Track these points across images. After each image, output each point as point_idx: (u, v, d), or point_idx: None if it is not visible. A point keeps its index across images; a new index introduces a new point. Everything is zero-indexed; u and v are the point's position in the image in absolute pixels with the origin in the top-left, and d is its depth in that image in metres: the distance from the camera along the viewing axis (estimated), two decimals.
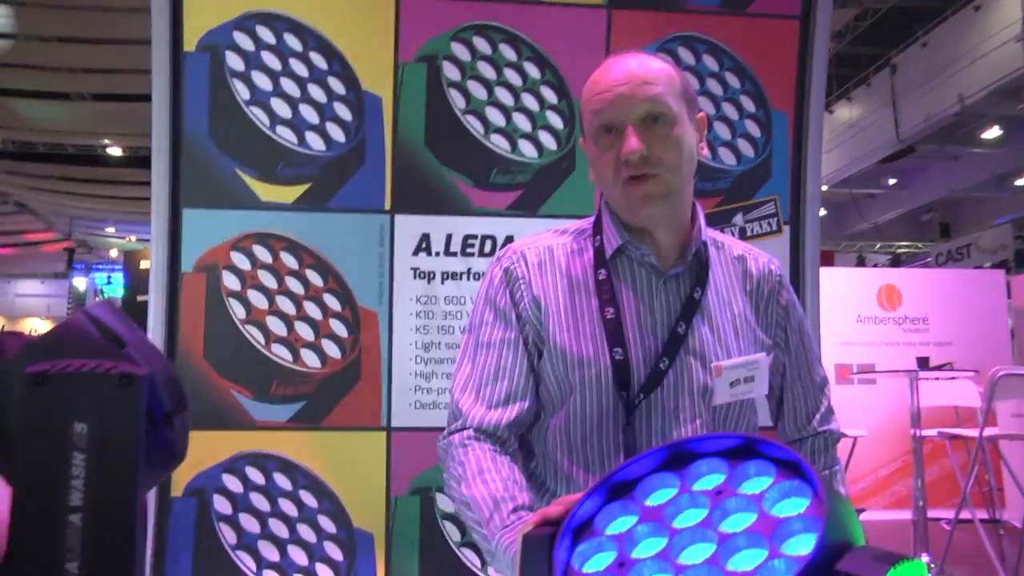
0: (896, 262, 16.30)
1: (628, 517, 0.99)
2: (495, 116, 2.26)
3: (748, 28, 2.30)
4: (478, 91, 2.25)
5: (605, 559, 0.96)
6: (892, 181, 14.32)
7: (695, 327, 1.43)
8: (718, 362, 1.42)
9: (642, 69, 1.38)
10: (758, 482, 0.96)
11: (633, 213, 1.42)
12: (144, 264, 12.77)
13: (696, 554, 0.91)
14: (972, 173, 14.12)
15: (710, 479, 0.99)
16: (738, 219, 2.31)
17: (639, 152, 1.34)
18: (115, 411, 0.84)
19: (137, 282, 12.58)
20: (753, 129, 2.32)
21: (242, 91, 2.17)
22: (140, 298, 12.05)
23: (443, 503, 2.19)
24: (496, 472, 1.32)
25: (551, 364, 1.43)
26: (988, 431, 4.57)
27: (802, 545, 0.88)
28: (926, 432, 5.05)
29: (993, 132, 13.32)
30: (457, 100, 2.24)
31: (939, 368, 6.34)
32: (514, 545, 1.20)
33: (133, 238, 16.63)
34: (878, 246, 17.17)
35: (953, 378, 5.92)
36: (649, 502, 0.99)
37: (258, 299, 2.16)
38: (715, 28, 2.29)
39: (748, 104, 2.31)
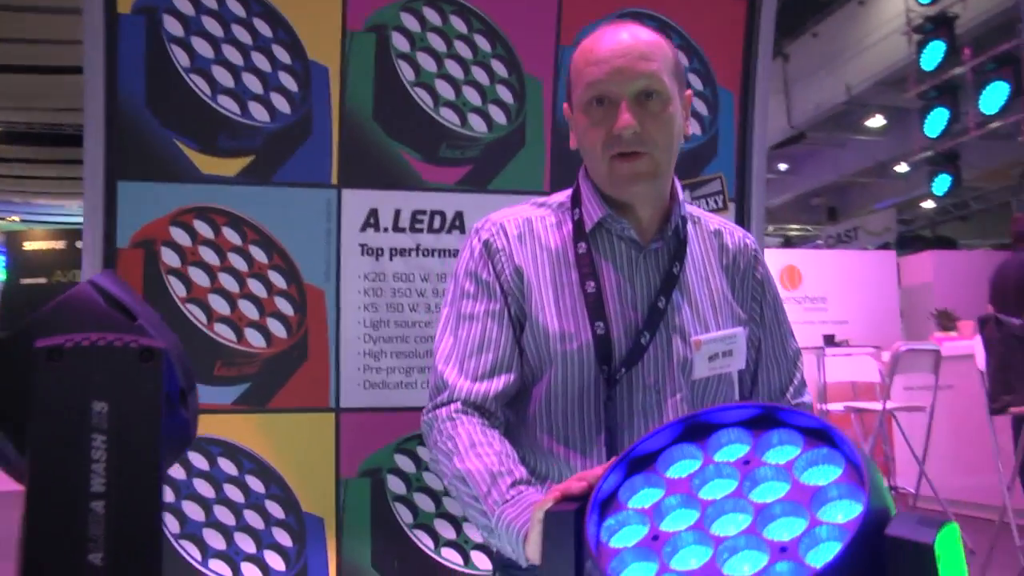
0: (788, 244, 16.87)
1: (653, 490, 0.98)
2: (445, 89, 2.21)
3: (697, 7, 2.31)
4: (428, 63, 2.20)
5: (635, 532, 0.94)
6: (784, 166, 14.80)
7: (674, 301, 1.43)
8: (697, 336, 1.43)
9: (640, 42, 1.37)
10: (785, 451, 0.95)
11: (619, 189, 1.41)
12: (29, 245, 12.15)
13: (731, 525, 0.90)
14: (857, 159, 14.74)
15: (734, 449, 0.98)
16: (685, 195, 2.32)
17: (632, 128, 1.33)
18: (136, 388, 0.78)
19: (19, 264, 11.97)
20: (701, 107, 2.33)
21: (181, 58, 2.05)
22: (24, 281, 11.47)
23: (394, 485, 2.14)
24: (488, 446, 1.29)
25: (532, 337, 1.41)
26: (889, 404, 4.79)
27: (839, 512, 0.88)
28: (832, 406, 5.25)
29: (877, 121, 13.91)
30: (406, 72, 2.18)
31: (837, 345, 6.61)
32: (518, 520, 1.18)
33: (16, 218, 15.76)
34: (771, 229, 17.75)
35: (850, 355, 6.18)
36: (672, 474, 0.98)
37: (199, 276, 2.06)
38: (665, 6, 2.29)
39: (696, 83, 2.32)
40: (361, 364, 2.15)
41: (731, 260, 1.53)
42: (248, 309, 2.08)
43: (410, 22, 2.18)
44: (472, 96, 2.22)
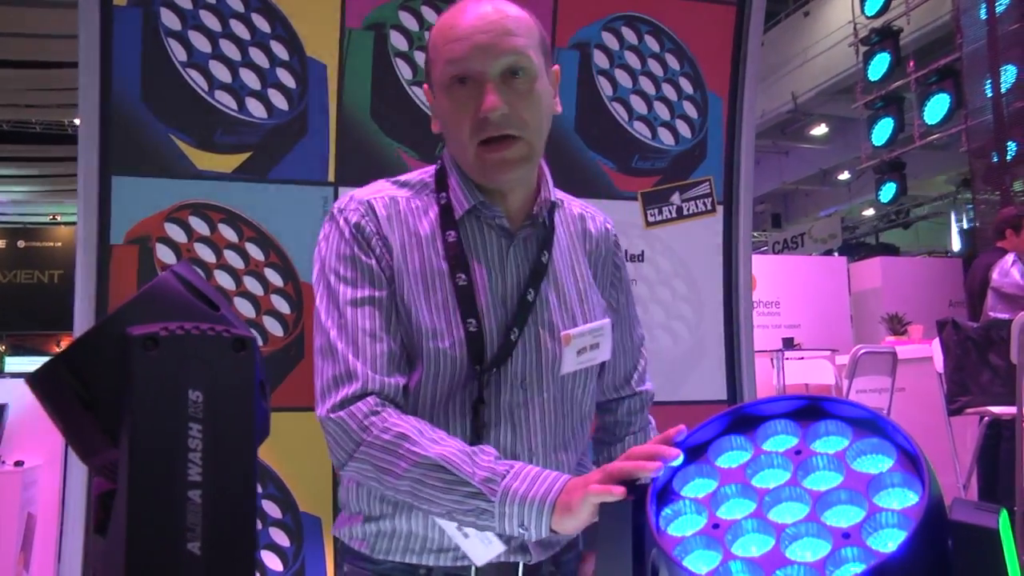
0: None
1: (706, 480, 1.00)
2: None
3: (688, 12, 2.35)
4: (424, 62, 2.20)
5: (692, 521, 0.96)
6: None
7: (543, 294, 1.37)
8: (566, 331, 1.38)
9: (503, 17, 1.29)
10: (834, 441, 0.98)
11: (489, 177, 1.32)
12: None
13: (789, 513, 0.93)
14: (801, 167, 15.04)
15: (782, 440, 1.00)
16: (675, 198, 2.36)
17: (500, 110, 1.26)
18: (230, 378, 0.78)
19: None
20: (691, 111, 2.37)
21: (178, 52, 2.02)
22: None
23: None
24: (434, 432, 1.23)
25: (404, 332, 1.31)
26: None
27: (895, 499, 0.91)
28: None
29: (820, 129, 14.24)
30: (404, 70, 2.18)
31: (794, 348, 6.73)
32: (535, 491, 1.15)
33: None
34: None
35: (803, 358, 6.30)
36: (723, 464, 1.00)
37: None
38: (657, 10, 2.33)
39: (686, 86, 2.36)
40: None
41: (594, 246, 1.48)
42: (244, 307, 2.06)
43: (408, 21, 2.18)
44: None
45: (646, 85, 2.33)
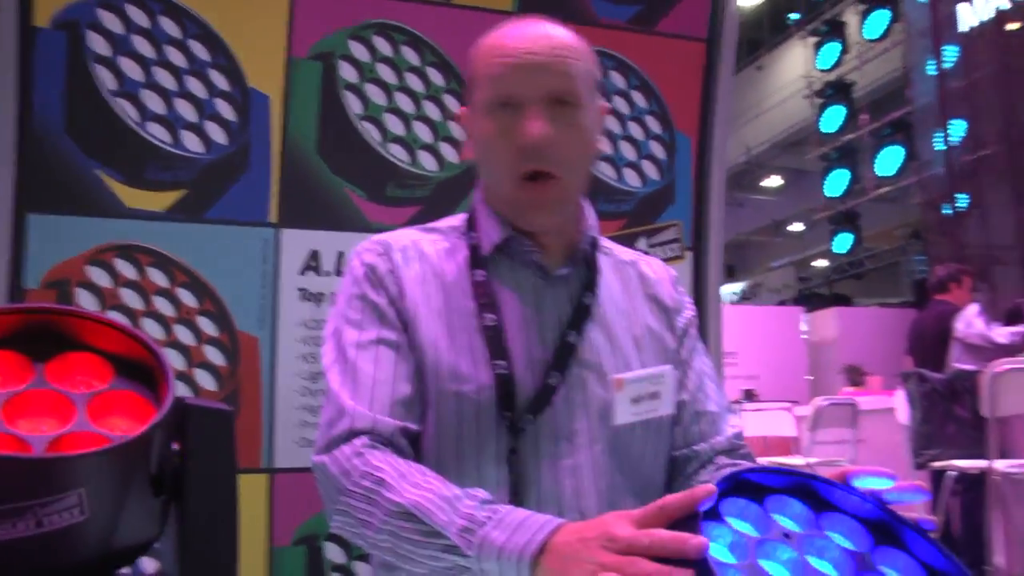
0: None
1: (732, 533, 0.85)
2: (394, 124, 2.07)
3: (656, 47, 2.24)
4: (376, 96, 2.06)
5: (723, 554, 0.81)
6: None
7: (588, 336, 1.23)
8: (619, 375, 1.23)
9: (555, 39, 1.18)
10: (848, 543, 0.85)
11: (523, 217, 1.22)
12: None
13: None
14: (755, 218, 15.20)
15: (789, 523, 0.86)
16: (641, 243, 2.23)
17: (543, 137, 1.14)
18: None
19: None
20: (658, 151, 2.26)
21: (107, 80, 1.86)
22: None
23: (332, 553, 1.95)
24: (421, 474, 1.06)
25: (419, 377, 1.20)
26: (810, 459, 4.79)
27: None
28: None
29: (773, 181, 14.42)
30: (353, 104, 2.04)
31: (753, 400, 6.65)
32: (515, 542, 0.93)
33: None
34: None
35: (760, 410, 6.22)
36: (738, 527, 0.85)
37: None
38: (624, 45, 2.22)
39: (654, 125, 2.25)
40: (298, 419, 1.96)
41: (654, 290, 1.34)
42: (175, 359, 1.87)
43: (359, 51, 2.05)
44: (423, 132, 2.09)
45: (612, 123, 2.22)
